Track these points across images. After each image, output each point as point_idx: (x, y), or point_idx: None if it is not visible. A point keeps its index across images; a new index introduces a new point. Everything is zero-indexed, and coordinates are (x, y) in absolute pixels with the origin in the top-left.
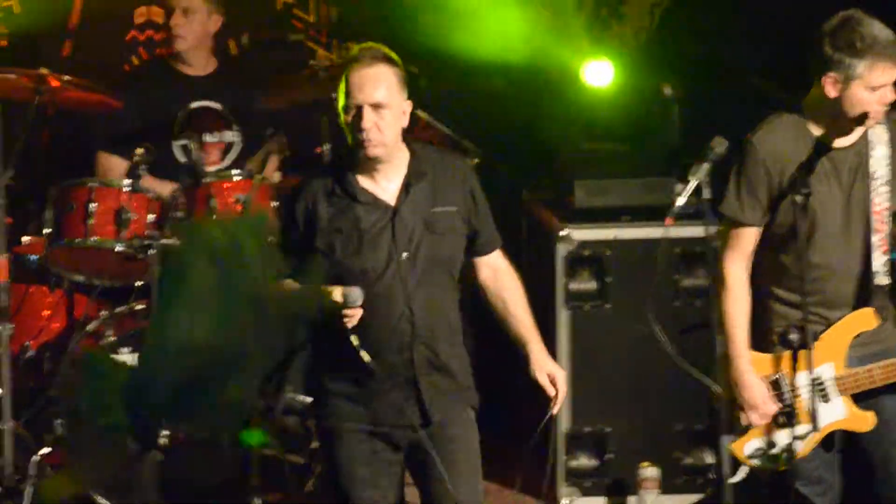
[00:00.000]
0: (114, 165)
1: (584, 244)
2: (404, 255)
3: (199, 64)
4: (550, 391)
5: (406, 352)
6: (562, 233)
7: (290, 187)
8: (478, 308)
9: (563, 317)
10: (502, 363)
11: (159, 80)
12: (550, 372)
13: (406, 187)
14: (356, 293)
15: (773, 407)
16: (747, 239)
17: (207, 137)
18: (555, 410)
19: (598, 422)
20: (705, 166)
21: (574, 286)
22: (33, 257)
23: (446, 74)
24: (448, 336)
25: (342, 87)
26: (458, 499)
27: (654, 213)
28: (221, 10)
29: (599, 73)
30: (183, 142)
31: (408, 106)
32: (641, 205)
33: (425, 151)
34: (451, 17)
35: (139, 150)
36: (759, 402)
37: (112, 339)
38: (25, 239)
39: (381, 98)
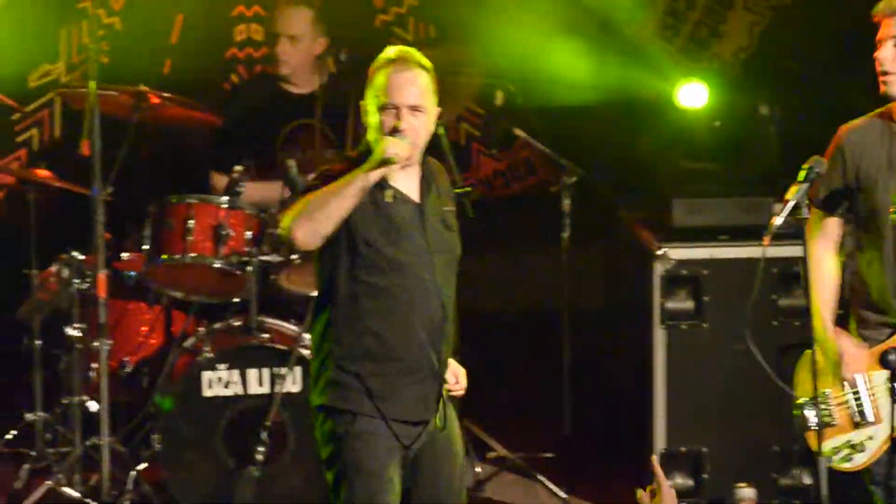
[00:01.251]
0: (214, 182)
1: (681, 263)
2: (431, 249)
3: (302, 82)
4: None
5: (437, 343)
6: (659, 252)
7: (322, 174)
8: None
9: (659, 336)
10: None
11: (262, 98)
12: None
13: (427, 186)
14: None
15: (863, 357)
16: (830, 225)
17: (309, 154)
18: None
19: (693, 441)
20: (804, 186)
21: (671, 305)
22: (132, 273)
23: (543, 93)
24: (453, 329)
25: (378, 85)
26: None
27: (752, 233)
28: (324, 32)
29: (694, 95)
30: (282, 158)
31: (437, 112)
32: (739, 224)
33: (425, 159)
34: (547, 35)
35: (237, 168)
36: (852, 350)
37: (209, 355)
38: (124, 255)
39: (420, 101)
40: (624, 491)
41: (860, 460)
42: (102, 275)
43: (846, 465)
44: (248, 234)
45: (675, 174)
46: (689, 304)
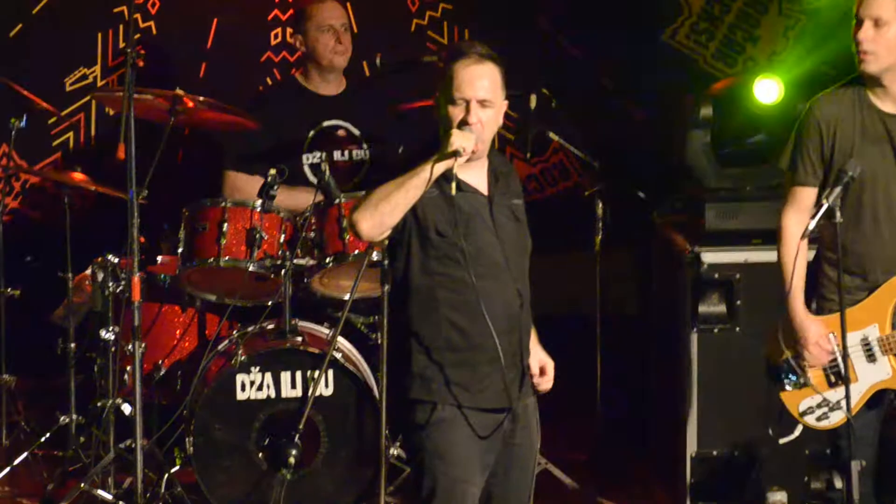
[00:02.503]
0: (243, 184)
1: (713, 267)
2: (502, 239)
3: (331, 83)
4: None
5: (516, 332)
6: (691, 255)
7: (390, 163)
8: None
9: (691, 339)
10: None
11: (290, 100)
12: (541, 360)
13: (494, 178)
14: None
15: (828, 345)
16: (803, 197)
17: (337, 156)
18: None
19: (726, 445)
20: (837, 190)
21: (703, 309)
22: (166, 277)
23: (580, 96)
24: (531, 317)
25: (448, 79)
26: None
27: None
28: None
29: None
30: (313, 160)
31: (505, 105)
32: (773, 228)
33: (493, 150)
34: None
35: (272, 171)
36: (816, 338)
37: (243, 358)
38: (159, 258)
39: (489, 95)
40: (657, 494)
41: (835, 419)
42: (137, 278)
43: (822, 424)
44: (282, 237)
45: (709, 177)
46: (721, 308)
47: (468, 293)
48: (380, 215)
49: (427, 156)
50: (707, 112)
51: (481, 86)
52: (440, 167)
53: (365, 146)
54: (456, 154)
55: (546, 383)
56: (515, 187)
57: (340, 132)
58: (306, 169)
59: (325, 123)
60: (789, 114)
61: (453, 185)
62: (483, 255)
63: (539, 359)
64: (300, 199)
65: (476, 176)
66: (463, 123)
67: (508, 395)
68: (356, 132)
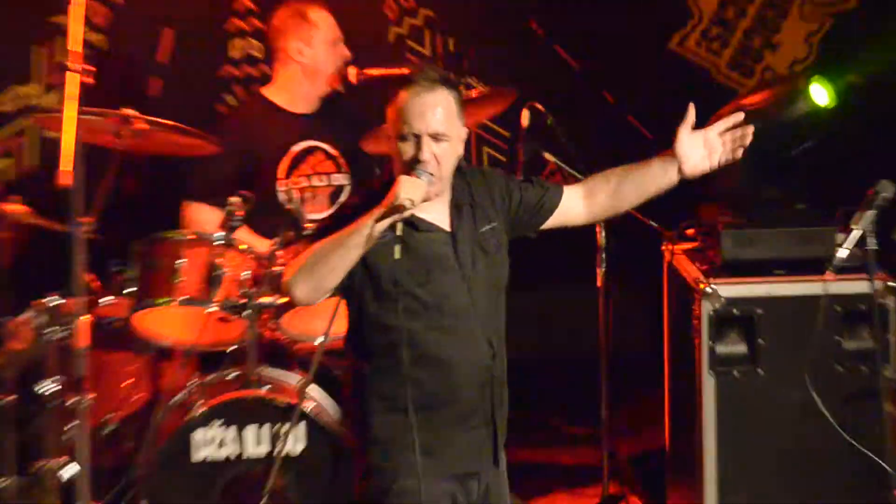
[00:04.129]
0: (205, 217)
1: (732, 302)
2: (469, 282)
3: (307, 101)
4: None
5: (487, 386)
6: (707, 289)
7: (337, 212)
8: None
9: (708, 384)
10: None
11: (261, 120)
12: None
13: (457, 210)
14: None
15: None
16: None
17: (315, 181)
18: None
19: (749, 498)
20: (870, 213)
21: (721, 349)
22: (116, 320)
23: (579, 111)
24: (505, 366)
25: (396, 110)
26: None
27: (813, 267)
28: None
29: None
30: (286, 188)
31: (465, 133)
32: (798, 257)
33: (459, 168)
34: (580, 43)
35: (234, 199)
36: None
37: (203, 410)
38: (107, 299)
39: (442, 128)
40: None
41: None
42: (83, 321)
43: None
44: (246, 273)
45: (726, 201)
46: (741, 348)
47: (433, 347)
48: (316, 279)
49: (377, 201)
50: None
51: (433, 117)
52: (384, 223)
53: (343, 168)
54: (400, 209)
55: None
56: (485, 206)
57: (318, 154)
58: (281, 197)
59: (302, 145)
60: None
61: (396, 248)
62: (447, 303)
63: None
64: (263, 247)
65: (436, 211)
66: (415, 162)
67: (480, 456)
68: (334, 153)
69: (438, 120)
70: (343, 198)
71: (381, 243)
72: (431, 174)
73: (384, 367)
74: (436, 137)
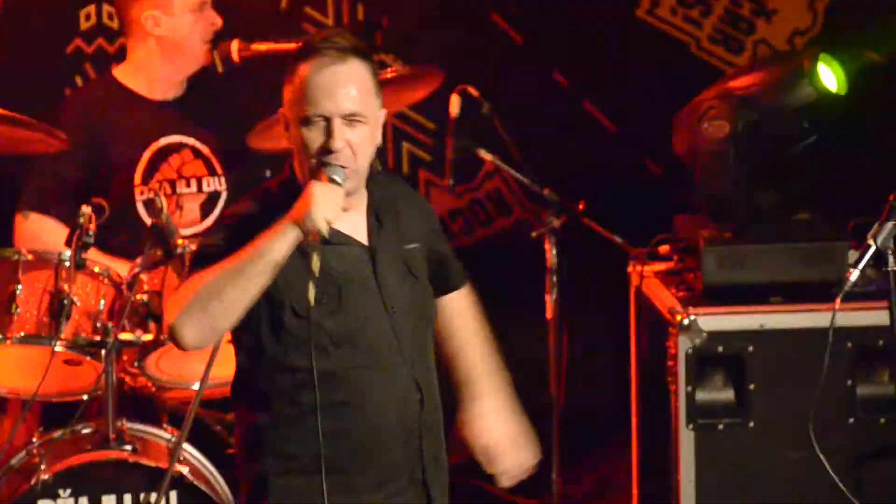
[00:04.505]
0: (44, 233)
1: (716, 336)
2: (392, 308)
3: (170, 85)
4: (488, 466)
5: (414, 441)
6: (685, 320)
7: (223, 223)
8: None
9: (686, 438)
10: None
11: (112, 108)
12: (493, 443)
13: (377, 220)
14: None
15: None
16: None
17: (182, 188)
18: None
19: None
20: (890, 226)
21: (702, 396)
22: None
23: (523, 97)
24: (440, 415)
25: (296, 88)
26: None
27: (818, 293)
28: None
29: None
30: (149, 195)
31: (383, 115)
32: (799, 280)
33: (374, 173)
34: (527, 17)
35: (85, 208)
36: None
37: (47, 477)
38: None
39: (357, 107)
40: None
41: None
42: None
43: None
44: (102, 303)
45: (709, 210)
46: (728, 395)
47: (345, 391)
48: (211, 319)
49: (281, 198)
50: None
51: (346, 94)
52: (290, 247)
53: (217, 171)
54: (315, 234)
55: (500, 464)
56: (410, 224)
57: (184, 152)
58: (140, 208)
59: (163, 141)
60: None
61: (310, 288)
62: (363, 335)
63: (488, 433)
64: (122, 269)
65: (349, 218)
66: (325, 153)
67: None
68: (205, 151)
69: (353, 98)
70: (219, 208)
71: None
72: (345, 169)
73: (284, 418)
74: (350, 120)
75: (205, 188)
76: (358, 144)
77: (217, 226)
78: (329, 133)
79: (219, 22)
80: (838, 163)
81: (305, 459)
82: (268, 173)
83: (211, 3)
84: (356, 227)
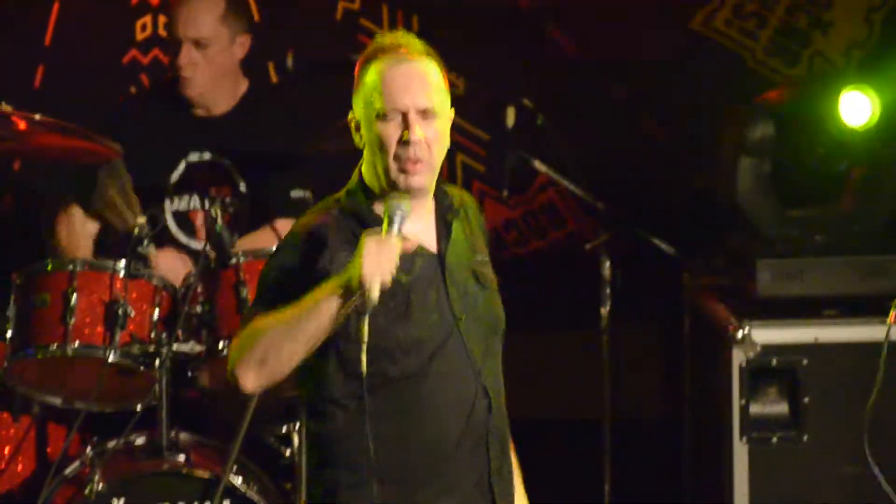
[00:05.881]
0: (85, 228)
1: (770, 350)
2: (461, 316)
3: (213, 102)
4: None
5: (481, 447)
6: (739, 334)
7: (291, 233)
8: None
9: (739, 452)
10: None
11: (163, 119)
12: None
13: (446, 226)
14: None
15: None
16: None
17: (213, 202)
18: None
19: None
20: None
21: (756, 409)
22: None
23: (578, 111)
24: (507, 425)
25: (370, 86)
26: None
27: (874, 306)
28: (247, 25)
29: (856, 109)
30: (180, 206)
31: (452, 116)
32: (854, 294)
33: (441, 182)
34: (582, 27)
35: (140, 220)
36: None
37: (101, 487)
38: None
39: (432, 102)
40: None
41: None
42: None
43: None
44: (156, 313)
45: (763, 223)
46: (782, 408)
47: (412, 400)
48: (269, 371)
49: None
50: (766, 131)
51: (420, 90)
52: (345, 311)
53: (243, 189)
54: (366, 302)
55: None
56: (477, 235)
57: (216, 171)
58: (170, 220)
59: (196, 157)
60: (881, 135)
61: (363, 358)
62: (431, 342)
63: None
64: (181, 269)
65: (420, 222)
66: (402, 144)
67: None
68: (235, 175)
69: (427, 93)
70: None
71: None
72: (405, 213)
73: (352, 423)
74: (425, 114)
75: (229, 207)
76: (432, 139)
77: (286, 242)
78: (406, 125)
79: (246, 44)
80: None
81: (374, 469)
82: (305, 194)
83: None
84: (425, 231)
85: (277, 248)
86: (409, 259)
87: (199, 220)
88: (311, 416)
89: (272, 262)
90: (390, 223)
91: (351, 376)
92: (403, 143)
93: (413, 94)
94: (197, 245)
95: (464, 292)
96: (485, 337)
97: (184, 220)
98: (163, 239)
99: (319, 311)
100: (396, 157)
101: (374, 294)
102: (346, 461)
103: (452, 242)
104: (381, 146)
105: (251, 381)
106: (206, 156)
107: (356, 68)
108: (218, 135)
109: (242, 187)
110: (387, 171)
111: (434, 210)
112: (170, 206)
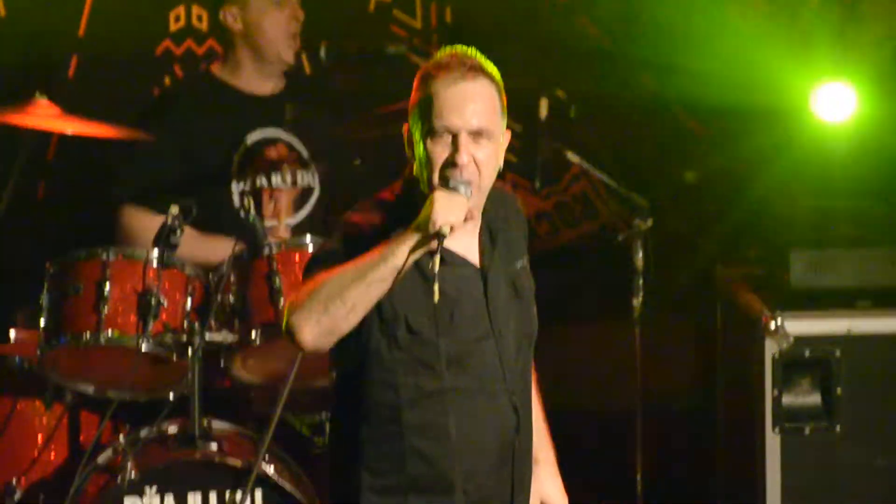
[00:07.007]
0: (146, 224)
1: (803, 341)
2: (499, 332)
3: (267, 81)
4: None
5: (508, 465)
6: (772, 325)
7: (344, 230)
8: None
9: (772, 443)
10: None
11: (207, 103)
12: (550, 501)
13: (491, 240)
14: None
15: None
16: None
17: (276, 180)
18: None
19: None
20: None
21: (789, 400)
22: (23, 360)
23: (610, 103)
24: (532, 441)
25: (424, 102)
26: None
27: None
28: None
29: (835, 102)
30: (245, 188)
31: (507, 138)
32: (886, 285)
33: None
34: (615, 20)
35: (173, 208)
36: None
37: (133, 475)
38: (12, 334)
39: (485, 123)
40: None
41: None
42: None
43: None
44: (188, 302)
45: (796, 216)
46: (815, 399)
47: (446, 414)
48: (330, 321)
49: (402, 207)
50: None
51: (474, 110)
52: (417, 254)
53: (313, 168)
54: (440, 237)
55: None
56: (517, 239)
57: (279, 146)
58: (236, 201)
59: (258, 135)
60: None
61: (436, 288)
62: (471, 358)
63: (545, 495)
64: (218, 249)
65: (465, 238)
66: (449, 166)
67: None
68: (300, 148)
69: (480, 114)
70: (312, 203)
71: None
72: (470, 185)
73: (383, 435)
74: (477, 136)
75: (299, 182)
76: (483, 161)
77: (337, 232)
78: (455, 147)
79: (301, 15)
80: None
81: (401, 479)
82: (357, 161)
83: (287, 2)
84: (469, 247)
85: (330, 236)
86: (455, 274)
87: (266, 198)
88: (338, 420)
89: (325, 245)
90: (455, 191)
91: (386, 385)
92: (451, 164)
93: (466, 114)
94: (269, 223)
95: (503, 307)
96: (519, 351)
97: (251, 199)
98: (223, 220)
99: (387, 257)
100: (442, 178)
101: (446, 231)
102: (371, 468)
103: (496, 257)
104: (429, 164)
105: (309, 332)
106: (267, 133)
107: (416, 79)
108: (273, 113)
109: (309, 168)
110: (431, 189)
111: (480, 225)
112: (236, 188)
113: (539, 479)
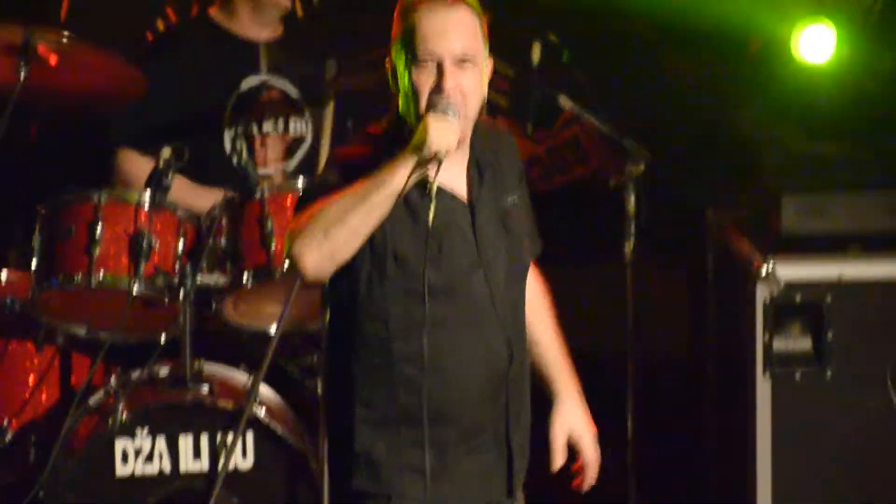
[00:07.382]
0: (141, 168)
1: (794, 286)
2: (489, 264)
3: (266, 26)
4: (561, 458)
5: (501, 397)
6: (763, 269)
7: (336, 163)
8: None
9: (763, 387)
10: None
11: (202, 47)
12: (575, 432)
13: (479, 174)
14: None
15: None
16: None
17: (268, 127)
18: (585, 486)
19: None
20: None
21: (780, 345)
22: (13, 301)
23: (602, 45)
24: (527, 373)
25: (407, 32)
26: None
27: None
28: None
29: (818, 44)
30: (234, 132)
31: (490, 66)
32: (878, 229)
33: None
34: None
35: (165, 151)
36: None
37: (125, 416)
38: (2, 275)
39: (469, 49)
40: None
41: None
42: None
43: None
44: (180, 245)
45: (786, 159)
46: (805, 344)
47: (436, 343)
48: (331, 246)
49: (391, 142)
50: (786, 69)
51: (456, 36)
52: (414, 176)
53: (307, 115)
54: (436, 158)
55: (586, 479)
56: (508, 174)
57: (272, 93)
58: (228, 147)
59: (253, 80)
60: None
61: (431, 207)
62: (459, 289)
63: (569, 427)
64: (209, 200)
65: (453, 171)
66: (436, 92)
67: (489, 485)
68: (294, 94)
69: (464, 41)
70: (302, 152)
71: (402, 227)
72: (458, 110)
73: (375, 366)
74: (461, 62)
75: (291, 130)
76: (468, 88)
77: (329, 165)
78: (440, 74)
79: None
80: None
81: (393, 410)
82: (349, 123)
83: None
84: (457, 179)
85: (324, 170)
86: (442, 207)
87: (257, 144)
88: (331, 356)
89: (320, 177)
90: (444, 115)
91: (376, 318)
92: (438, 89)
93: (449, 40)
94: (261, 171)
95: (492, 241)
96: (509, 282)
97: (243, 144)
98: (219, 166)
99: (385, 181)
100: (430, 104)
101: (442, 153)
102: (364, 400)
103: (483, 190)
104: (415, 93)
105: (310, 258)
106: (261, 79)
107: (395, 13)
108: (269, 59)
109: (304, 115)
110: (419, 119)
111: (467, 158)
112: (228, 134)
113: (564, 412)
